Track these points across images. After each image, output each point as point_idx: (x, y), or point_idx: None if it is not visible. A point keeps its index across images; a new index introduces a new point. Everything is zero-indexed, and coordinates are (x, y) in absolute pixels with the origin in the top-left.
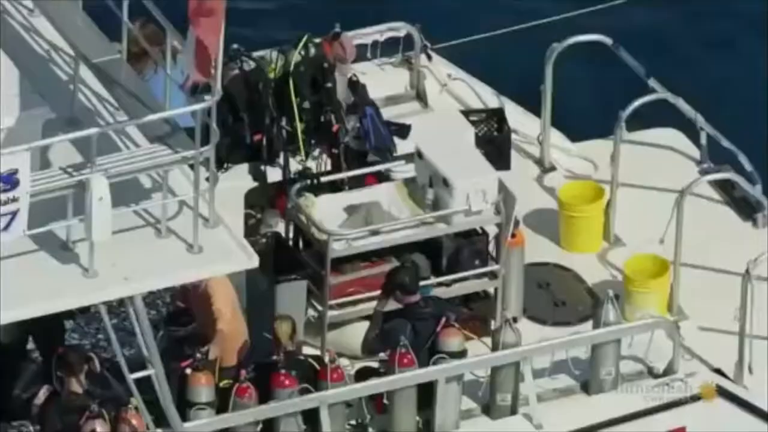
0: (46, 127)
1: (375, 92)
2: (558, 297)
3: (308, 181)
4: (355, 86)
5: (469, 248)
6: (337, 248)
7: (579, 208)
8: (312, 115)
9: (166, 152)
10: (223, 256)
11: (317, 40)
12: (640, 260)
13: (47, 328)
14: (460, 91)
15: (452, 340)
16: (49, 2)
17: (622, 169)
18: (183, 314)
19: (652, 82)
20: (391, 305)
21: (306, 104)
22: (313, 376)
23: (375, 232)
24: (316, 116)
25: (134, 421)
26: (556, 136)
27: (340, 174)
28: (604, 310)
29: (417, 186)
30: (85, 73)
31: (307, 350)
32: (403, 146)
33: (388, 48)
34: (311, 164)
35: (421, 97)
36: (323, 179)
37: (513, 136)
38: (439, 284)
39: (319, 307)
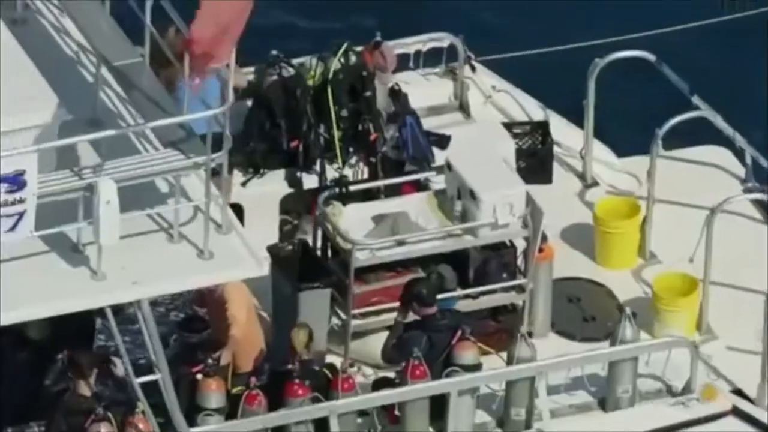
0: (66, 127)
1: (418, 102)
2: (588, 312)
3: (336, 190)
4: (396, 95)
5: (496, 261)
6: (361, 258)
7: (614, 224)
8: (350, 123)
9: (178, 157)
10: (233, 263)
11: (358, 49)
12: (669, 278)
13: (77, 326)
14: (505, 103)
15: (467, 353)
16: (75, 3)
17: (666, 186)
18: (197, 320)
19: (695, 99)
20: (411, 316)
21: (344, 112)
22: (326, 385)
23: (401, 243)
24: (354, 124)
25: (141, 425)
26: (600, 150)
27: (369, 183)
28: (621, 327)
29: (446, 197)
30: (107, 75)
31: (330, 358)
32: (442, 156)
33: (431, 58)
34: (348, 172)
35: (464, 108)
36: (352, 188)
37: (557, 149)
38: (466, 296)
39: (343, 316)
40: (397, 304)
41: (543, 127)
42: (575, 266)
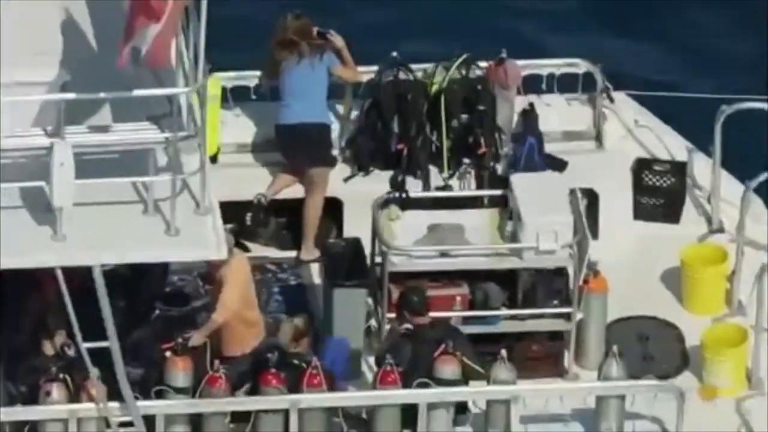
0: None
1: (555, 125)
2: (650, 352)
3: (397, 194)
4: (526, 115)
5: (546, 286)
6: (396, 262)
7: (699, 269)
8: (460, 133)
9: (151, 131)
10: (194, 243)
11: (484, 63)
12: (720, 328)
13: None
14: (646, 138)
15: (446, 367)
16: None
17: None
18: (181, 295)
19: None
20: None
21: (455, 122)
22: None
23: (444, 254)
24: (464, 135)
25: (94, 391)
26: (756, 203)
27: (427, 193)
28: (607, 364)
29: (506, 217)
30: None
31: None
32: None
33: (565, 83)
34: (455, 183)
35: (599, 137)
36: (426, 195)
37: (697, 192)
38: (513, 317)
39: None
40: (434, 314)
41: (681, 168)
42: (663, 306)
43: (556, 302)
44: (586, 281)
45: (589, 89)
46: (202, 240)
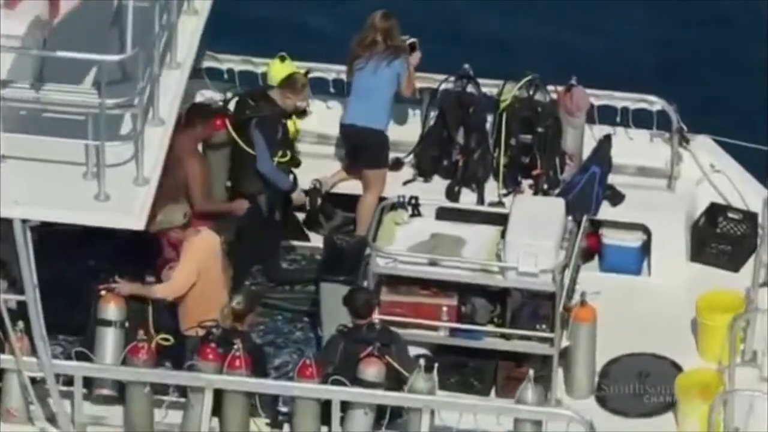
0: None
1: (630, 159)
2: (644, 388)
3: (408, 199)
4: (600, 144)
5: (532, 308)
6: (380, 264)
7: (710, 317)
8: (518, 152)
9: (87, 95)
10: (116, 211)
11: (555, 88)
12: (695, 374)
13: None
14: (722, 183)
15: (369, 369)
16: None
17: None
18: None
19: None
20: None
21: (513, 141)
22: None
23: (433, 263)
24: (522, 155)
25: (18, 344)
26: None
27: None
28: (522, 388)
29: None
30: None
31: None
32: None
33: (639, 118)
34: (507, 200)
35: (671, 177)
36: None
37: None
38: (498, 334)
39: None
40: (419, 321)
41: (752, 219)
42: (683, 348)
43: (544, 326)
44: (567, 308)
45: (664, 128)
46: (124, 208)
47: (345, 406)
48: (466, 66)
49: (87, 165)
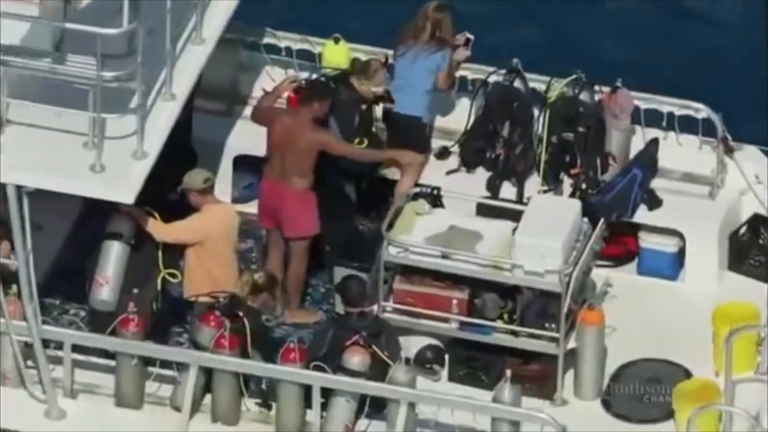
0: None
1: (677, 164)
2: (651, 395)
3: (430, 191)
4: (646, 147)
5: (540, 307)
6: (392, 252)
7: (723, 326)
8: (559, 150)
9: (85, 68)
10: (108, 183)
11: (601, 89)
12: (695, 383)
13: None
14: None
15: (352, 357)
16: None
17: None
18: None
19: None
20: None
21: (554, 138)
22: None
23: (445, 256)
24: (563, 152)
25: (11, 307)
26: None
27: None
28: (498, 388)
29: None
30: None
31: None
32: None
33: (685, 124)
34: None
35: (713, 185)
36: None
37: None
38: (508, 331)
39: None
40: (431, 312)
41: None
42: (703, 357)
43: (552, 325)
44: (571, 311)
45: (710, 135)
46: (116, 180)
47: (328, 392)
48: (515, 60)
49: (90, 136)
